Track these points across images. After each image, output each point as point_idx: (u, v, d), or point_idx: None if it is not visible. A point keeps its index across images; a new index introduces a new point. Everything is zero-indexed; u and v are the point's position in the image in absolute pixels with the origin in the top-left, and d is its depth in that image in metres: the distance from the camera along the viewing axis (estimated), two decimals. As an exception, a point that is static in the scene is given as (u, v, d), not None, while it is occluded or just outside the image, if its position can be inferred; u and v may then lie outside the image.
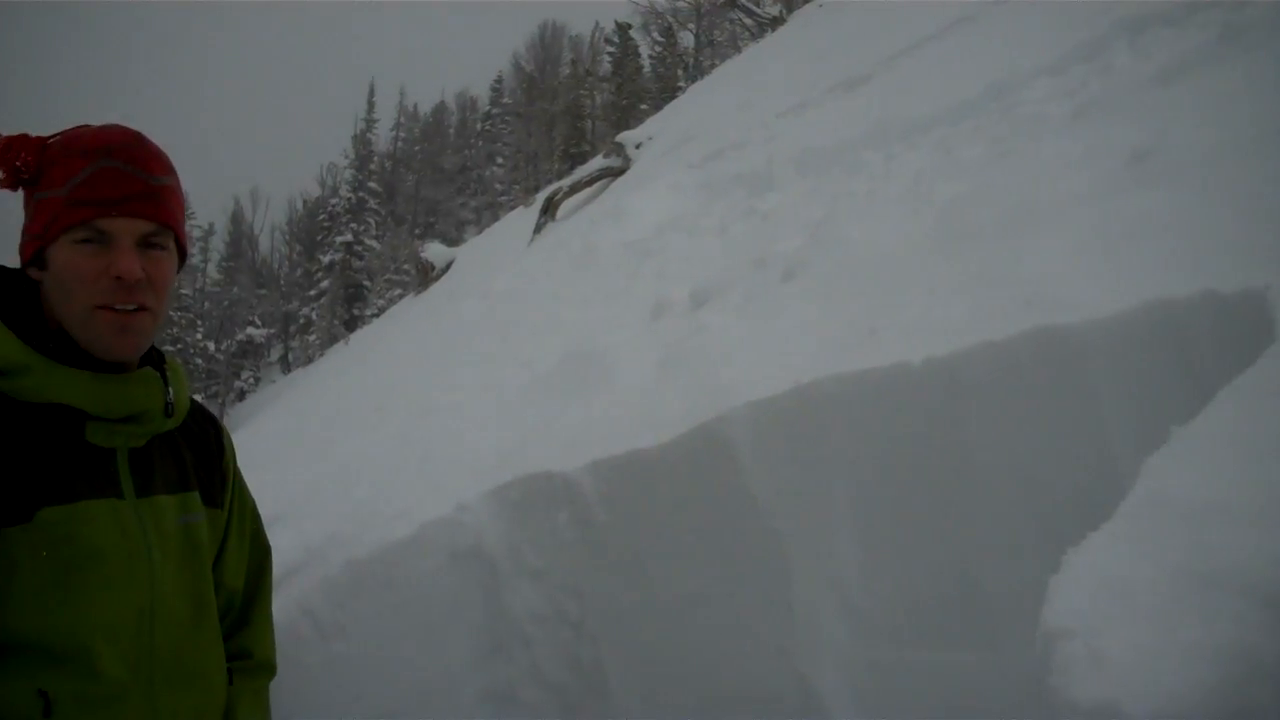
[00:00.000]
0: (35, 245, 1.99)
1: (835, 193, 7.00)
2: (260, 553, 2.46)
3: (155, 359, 2.15)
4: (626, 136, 20.94)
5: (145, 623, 2.01)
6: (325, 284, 62.40)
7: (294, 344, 63.71)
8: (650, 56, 57.60)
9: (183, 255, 2.13)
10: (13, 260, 2.09)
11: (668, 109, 28.71)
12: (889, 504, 3.49)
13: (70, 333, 1.97)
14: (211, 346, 61.04)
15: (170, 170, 2.08)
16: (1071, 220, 4.02)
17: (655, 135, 20.35)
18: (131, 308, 1.96)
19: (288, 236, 76.78)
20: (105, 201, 1.95)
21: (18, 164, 2.00)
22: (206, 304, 67.47)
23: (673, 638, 3.96)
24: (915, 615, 3.38)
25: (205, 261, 72.93)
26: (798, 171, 8.79)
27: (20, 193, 2.05)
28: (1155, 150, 4.25)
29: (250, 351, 64.37)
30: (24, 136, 2.03)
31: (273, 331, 65.80)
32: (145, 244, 1.99)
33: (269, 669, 2.46)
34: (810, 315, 4.50)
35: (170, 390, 2.11)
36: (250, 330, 63.85)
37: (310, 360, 48.66)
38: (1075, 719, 1.77)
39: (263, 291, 68.02)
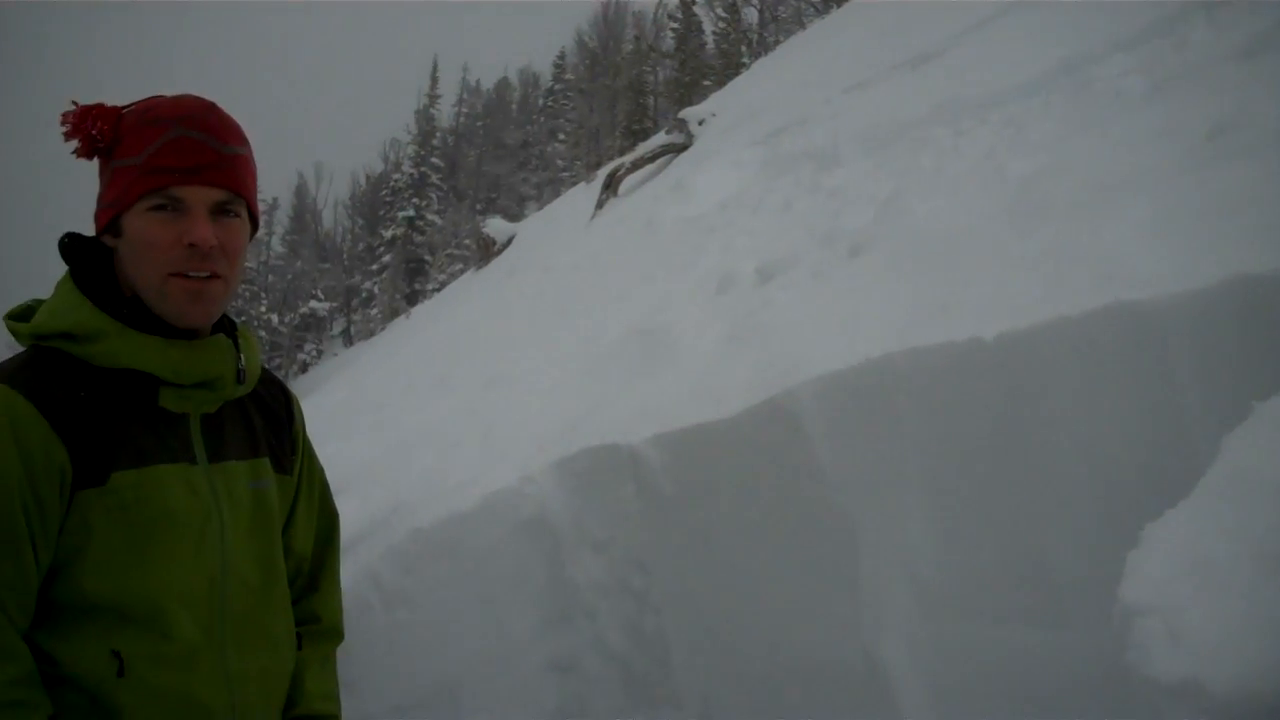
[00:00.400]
0: (110, 213, 2.01)
1: (903, 169, 6.93)
2: (328, 519, 2.48)
3: (227, 326, 2.17)
4: (689, 113, 20.85)
5: (216, 586, 2.03)
6: (387, 258, 62.76)
7: (356, 317, 64.20)
8: (714, 32, 57.20)
9: (255, 224, 2.15)
10: (88, 228, 2.11)
11: (731, 85, 28.59)
12: (960, 479, 3.45)
13: (144, 299, 2.00)
14: (275, 319, 61.68)
15: (243, 140, 2.10)
16: (1149, 195, 3.95)
17: (718, 112, 20.26)
18: (204, 275, 1.98)
19: (350, 211, 77.19)
20: (179, 169, 1.97)
21: (94, 132, 2.03)
22: (270, 277, 68.15)
23: (737, 610, 3.95)
24: (985, 592, 3.35)
25: (269, 235, 73.53)
26: (864, 148, 8.71)
27: (96, 161, 2.08)
28: (1234, 125, 4.16)
29: (313, 324, 64.98)
30: (100, 106, 2.05)
31: (335, 305, 66.31)
32: (218, 211, 2.01)
33: (337, 634, 2.48)
34: (879, 291, 4.46)
35: (242, 357, 2.13)
36: (313, 303, 64.41)
37: (372, 334, 49.09)
38: (1153, 696, 1.75)
39: (325, 265, 68.54)
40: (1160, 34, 6.59)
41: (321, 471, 2.48)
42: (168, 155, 1.97)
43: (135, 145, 1.99)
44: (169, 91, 2.13)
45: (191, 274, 1.97)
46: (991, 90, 7.75)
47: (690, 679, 4.07)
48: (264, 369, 2.30)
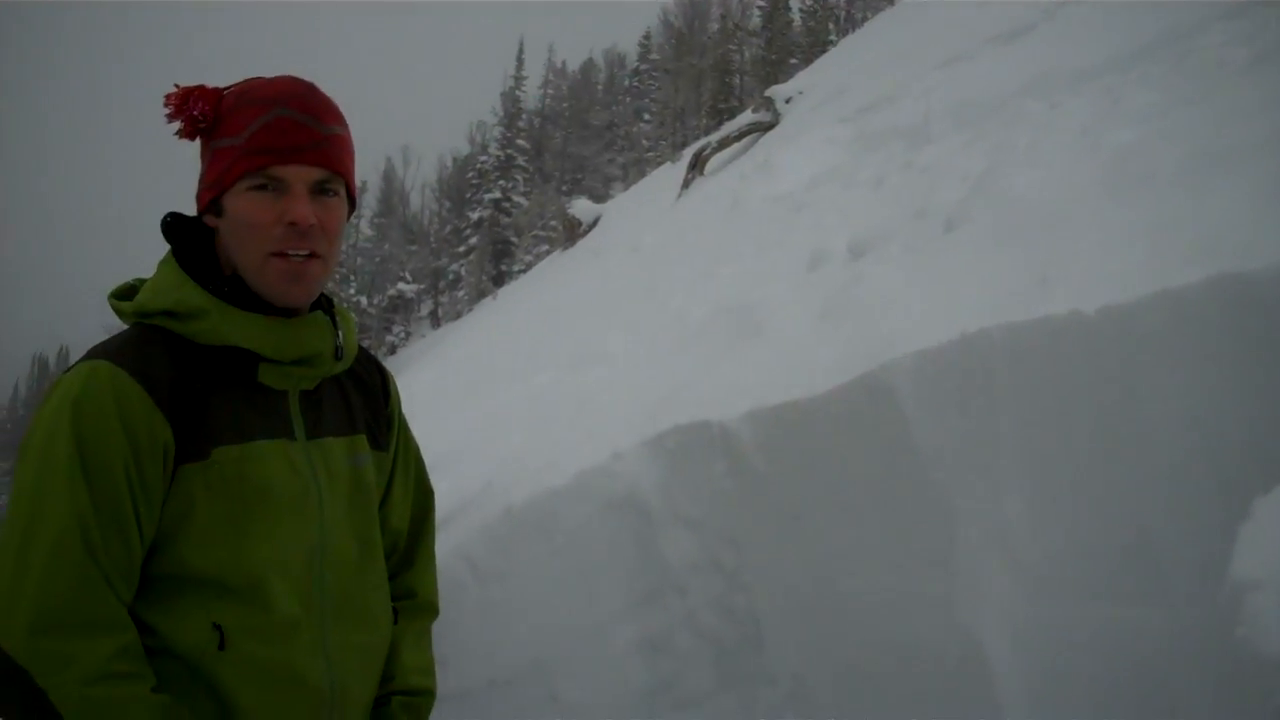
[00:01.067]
0: (212, 193, 2.05)
1: (997, 144, 6.80)
2: (423, 496, 2.51)
3: (325, 304, 2.20)
4: (776, 91, 20.76)
5: (315, 560, 2.07)
6: (474, 240, 63.12)
7: (443, 299, 64.69)
8: (801, 10, 56.89)
9: (353, 204, 2.18)
10: (190, 208, 2.15)
11: (818, 63, 28.44)
12: (1059, 456, 3.38)
13: (244, 278, 2.03)
14: (364, 301, 62.34)
15: (341, 120, 2.13)
16: (1253, 167, 3.84)
17: (805, 89, 20.15)
18: (304, 254, 2.02)
19: (437, 194, 77.65)
20: (280, 149, 2.00)
21: (195, 113, 2.06)
22: (359, 260, 68.79)
23: (830, 588, 3.91)
24: (1085, 570, 3.28)
25: (359, 218, 74.09)
26: (956, 123, 8.58)
27: (198, 142, 2.11)
28: (1343, 94, 4.04)
29: (401, 306, 65.70)
30: (201, 87, 2.09)
31: (422, 287, 66.84)
32: (318, 191, 2.04)
33: (432, 609, 2.51)
34: (975, 265, 4.38)
35: (339, 334, 2.16)
36: (401, 285, 65.04)
37: (459, 315, 49.50)
38: (1264, 672, 1.70)
39: (413, 248, 68.97)
40: (1265, 2, 6.41)
41: (417, 448, 2.51)
42: (268, 135, 2.00)
43: (236, 126, 2.02)
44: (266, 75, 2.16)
45: (291, 253, 2.00)
46: (1087, 63, 7.59)
47: (782, 657, 4.05)
48: (360, 347, 2.33)
